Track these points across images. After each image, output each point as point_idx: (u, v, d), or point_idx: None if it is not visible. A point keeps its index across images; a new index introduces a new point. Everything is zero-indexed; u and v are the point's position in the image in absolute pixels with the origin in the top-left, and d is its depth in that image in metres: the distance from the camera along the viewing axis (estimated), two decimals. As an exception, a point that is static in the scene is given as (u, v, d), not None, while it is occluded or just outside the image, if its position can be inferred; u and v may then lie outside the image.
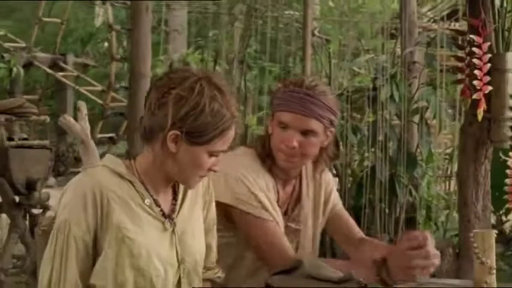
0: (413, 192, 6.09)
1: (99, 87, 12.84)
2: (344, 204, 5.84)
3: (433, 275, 2.78)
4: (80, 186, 2.38)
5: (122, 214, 2.38)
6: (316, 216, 3.09)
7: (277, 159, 2.89)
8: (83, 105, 3.34)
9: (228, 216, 2.87)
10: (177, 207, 2.53)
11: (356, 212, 5.95)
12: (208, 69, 7.18)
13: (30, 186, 6.36)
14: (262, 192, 2.85)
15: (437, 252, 2.70)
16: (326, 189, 3.12)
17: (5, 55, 12.43)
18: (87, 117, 3.28)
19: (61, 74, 12.71)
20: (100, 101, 12.16)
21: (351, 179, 6.28)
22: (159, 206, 2.47)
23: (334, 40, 8.53)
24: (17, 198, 6.40)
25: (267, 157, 2.91)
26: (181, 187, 2.57)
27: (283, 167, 2.92)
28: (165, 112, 2.36)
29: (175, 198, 2.55)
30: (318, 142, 2.87)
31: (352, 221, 3.19)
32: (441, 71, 6.10)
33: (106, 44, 15.75)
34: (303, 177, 3.06)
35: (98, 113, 11.97)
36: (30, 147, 6.59)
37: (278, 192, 2.97)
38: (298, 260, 2.60)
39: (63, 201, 2.38)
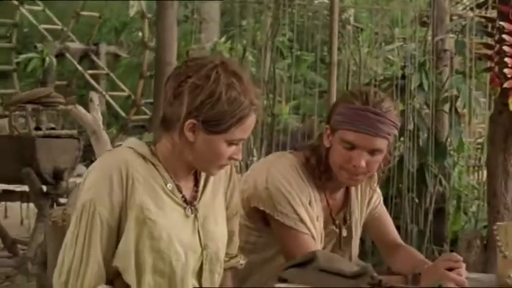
0: (444, 182, 6.00)
1: (125, 93, 12.87)
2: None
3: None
4: (105, 166, 2.34)
5: (145, 195, 2.35)
6: (361, 218, 3.02)
7: (340, 177, 2.79)
8: (95, 96, 3.30)
9: (265, 221, 2.83)
10: (199, 193, 2.50)
11: (385, 202, 5.89)
12: (239, 58, 7.13)
13: (58, 175, 6.37)
14: (303, 207, 2.79)
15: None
16: (370, 190, 3.03)
17: (38, 45, 12.50)
18: (99, 108, 3.24)
19: (90, 72, 12.72)
20: (124, 114, 12.18)
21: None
22: (181, 192, 2.44)
23: (367, 28, 8.42)
24: (44, 188, 6.42)
25: (322, 174, 2.82)
26: (203, 173, 2.53)
27: (345, 184, 2.85)
28: (181, 101, 2.33)
29: (196, 185, 2.51)
30: (381, 158, 2.78)
31: (390, 225, 3.10)
32: (472, 59, 5.98)
33: (140, 33, 15.76)
34: None
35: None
36: (57, 136, 6.60)
37: (328, 201, 2.90)
38: (312, 253, 2.54)
39: (88, 182, 2.34)
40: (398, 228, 5.68)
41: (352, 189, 2.97)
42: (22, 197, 6.65)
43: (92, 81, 12.72)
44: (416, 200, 5.97)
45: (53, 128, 6.71)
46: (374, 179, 2.98)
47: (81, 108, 3.29)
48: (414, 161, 5.80)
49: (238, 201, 2.67)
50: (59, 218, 2.53)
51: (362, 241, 3.14)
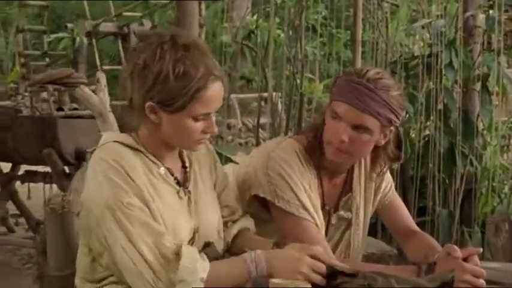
0: (474, 163, 5.84)
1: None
2: (403, 174, 5.75)
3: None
4: (105, 164, 2.25)
5: (148, 186, 2.28)
6: (366, 204, 2.92)
7: (326, 153, 2.69)
8: (102, 77, 3.20)
9: (267, 210, 2.74)
10: (188, 174, 2.45)
11: (414, 183, 5.78)
12: (274, 35, 7.02)
13: (80, 156, 6.33)
14: (305, 193, 2.69)
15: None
16: (377, 177, 2.92)
17: (69, 25, 12.45)
18: (106, 89, 3.14)
19: (106, 68, 12.54)
20: None
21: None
22: (173, 175, 2.39)
23: (403, 5, 8.26)
24: (66, 169, 6.37)
25: (316, 149, 2.72)
26: (185, 154, 2.49)
27: (330, 160, 2.72)
28: (135, 85, 2.27)
29: (184, 166, 2.47)
30: (371, 140, 2.63)
31: (403, 212, 2.99)
32: (505, 35, 5.80)
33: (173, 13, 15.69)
34: (355, 166, 2.87)
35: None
36: (79, 117, 6.54)
37: (322, 186, 2.80)
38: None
39: (98, 184, 2.24)
40: (424, 208, 5.64)
41: (355, 174, 2.85)
42: (45, 178, 6.62)
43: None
44: (447, 181, 5.82)
45: (76, 109, 6.65)
46: (376, 170, 2.86)
47: (87, 90, 3.19)
48: (442, 140, 5.64)
49: (223, 172, 2.62)
50: (57, 205, 2.45)
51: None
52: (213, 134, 2.42)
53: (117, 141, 2.32)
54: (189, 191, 2.42)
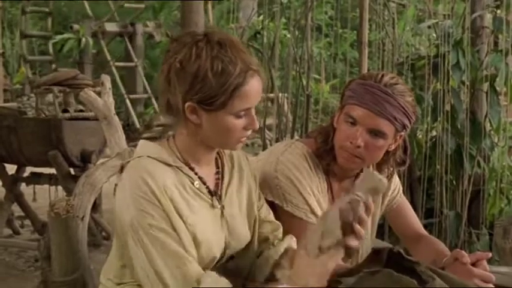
0: (482, 164, 5.80)
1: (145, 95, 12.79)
2: (410, 176, 5.71)
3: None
4: (134, 181, 2.22)
5: (181, 203, 2.25)
6: (374, 208, 2.87)
7: (337, 156, 2.67)
8: (106, 79, 3.16)
9: (275, 213, 2.70)
10: (224, 185, 2.41)
11: (422, 184, 5.75)
12: (280, 36, 7.00)
13: (85, 158, 6.31)
14: (314, 197, 2.68)
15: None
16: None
17: (74, 26, 12.47)
18: (111, 92, 3.11)
19: (118, 64, 12.57)
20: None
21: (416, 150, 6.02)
22: (205, 184, 2.35)
23: (410, 5, 8.23)
24: (72, 171, 6.35)
25: (327, 154, 2.70)
26: (226, 163, 2.45)
27: (341, 165, 2.70)
28: (174, 86, 2.23)
29: (218, 173, 2.43)
30: (384, 145, 2.64)
31: (410, 216, 3.00)
32: (512, 35, 5.75)
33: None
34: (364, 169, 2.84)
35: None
36: (85, 119, 6.52)
37: (332, 190, 2.78)
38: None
39: (124, 201, 2.21)
40: (432, 210, 5.60)
41: None
42: (50, 179, 6.59)
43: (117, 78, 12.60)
44: (454, 182, 5.79)
45: (82, 110, 6.62)
46: (385, 173, 2.83)
47: (91, 93, 3.15)
48: (449, 141, 5.61)
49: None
50: (62, 209, 2.41)
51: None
52: (255, 130, 2.35)
53: (150, 157, 2.27)
54: (223, 206, 2.38)
